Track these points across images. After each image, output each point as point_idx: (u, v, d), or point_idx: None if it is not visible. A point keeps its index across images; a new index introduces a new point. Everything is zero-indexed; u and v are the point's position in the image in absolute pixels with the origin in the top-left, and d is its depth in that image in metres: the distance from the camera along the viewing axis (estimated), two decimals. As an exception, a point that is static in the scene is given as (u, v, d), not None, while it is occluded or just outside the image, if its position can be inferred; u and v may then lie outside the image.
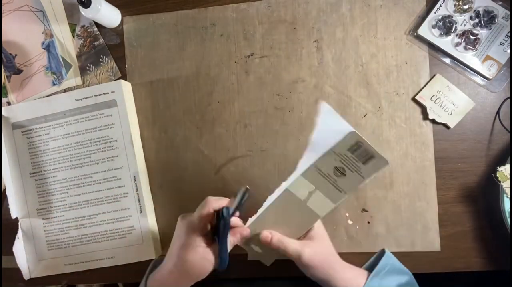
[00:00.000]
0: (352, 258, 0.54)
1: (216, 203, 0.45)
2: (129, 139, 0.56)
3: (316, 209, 0.46)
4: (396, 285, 0.47)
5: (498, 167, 0.48)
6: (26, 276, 0.58)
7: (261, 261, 0.51)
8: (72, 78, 0.60)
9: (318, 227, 0.47)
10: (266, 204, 0.46)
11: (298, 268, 0.56)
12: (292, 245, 0.45)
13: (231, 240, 0.47)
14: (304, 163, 0.43)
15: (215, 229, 0.46)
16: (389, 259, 0.50)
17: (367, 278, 0.46)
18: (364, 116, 0.54)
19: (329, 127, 0.41)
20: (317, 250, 0.45)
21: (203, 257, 0.45)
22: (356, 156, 0.41)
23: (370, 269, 0.48)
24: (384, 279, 0.47)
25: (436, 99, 0.53)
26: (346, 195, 0.44)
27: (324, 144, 0.42)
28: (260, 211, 0.46)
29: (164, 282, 0.46)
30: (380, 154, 0.40)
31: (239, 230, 0.47)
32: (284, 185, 0.45)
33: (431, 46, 0.53)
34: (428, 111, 0.53)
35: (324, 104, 0.40)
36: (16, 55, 0.62)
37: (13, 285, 0.61)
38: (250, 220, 0.47)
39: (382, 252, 0.51)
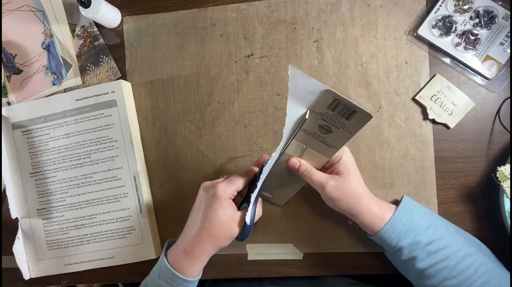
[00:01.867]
0: (352, 258, 0.55)
1: (255, 170, 0.48)
2: (129, 140, 0.56)
3: (311, 163, 0.48)
4: (427, 225, 0.45)
5: (498, 167, 0.48)
6: (26, 276, 0.58)
7: (274, 202, 0.53)
8: (72, 78, 0.60)
9: (348, 163, 0.47)
10: (266, 169, 0.47)
11: (301, 268, 0.56)
12: (317, 175, 0.46)
13: (259, 209, 0.48)
14: (288, 127, 0.44)
15: (244, 197, 0.48)
16: (411, 201, 0.48)
17: (394, 212, 0.45)
18: (364, 116, 0.54)
19: (303, 89, 0.41)
20: (342, 183, 0.45)
21: (233, 219, 0.45)
22: (338, 113, 0.42)
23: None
24: (413, 214, 0.45)
25: (436, 99, 0.53)
26: (338, 149, 0.45)
27: (303, 105, 0.43)
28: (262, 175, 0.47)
29: (188, 249, 0.46)
30: (361, 108, 0.40)
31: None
32: (276, 149, 0.46)
33: (431, 46, 0.53)
34: (428, 111, 0.53)
35: (293, 68, 0.39)
36: (16, 55, 0.62)
37: (13, 285, 0.61)
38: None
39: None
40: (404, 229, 0.44)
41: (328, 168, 0.48)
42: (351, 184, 0.46)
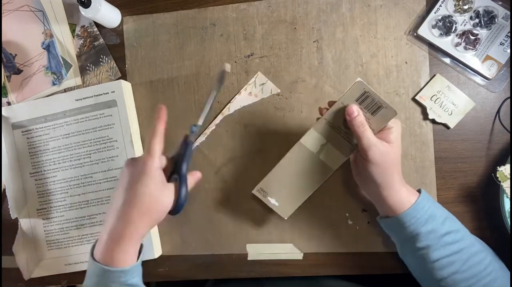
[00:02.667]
0: (352, 258, 0.55)
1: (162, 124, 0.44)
2: (129, 140, 0.56)
3: (328, 162, 0.47)
4: (446, 216, 0.44)
5: (498, 167, 0.48)
6: (26, 276, 0.58)
7: (278, 213, 0.51)
8: (72, 78, 0.60)
9: (398, 135, 0.45)
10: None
11: (301, 268, 0.56)
12: (370, 133, 0.43)
13: (190, 180, 0.46)
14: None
15: (173, 168, 0.46)
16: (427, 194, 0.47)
17: (418, 197, 0.44)
18: (364, 116, 0.54)
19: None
20: (389, 151, 0.43)
21: (164, 192, 0.42)
22: (365, 107, 0.43)
23: None
24: (433, 204, 0.45)
25: (436, 99, 0.53)
26: (356, 147, 0.45)
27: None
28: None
29: (116, 235, 0.40)
30: (388, 104, 0.42)
31: (195, 172, 0.47)
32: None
33: (431, 46, 0.53)
34: (428, 111, 0.53)
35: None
36: (16, 55, 0.62)
37: (13, 285, 0.61)
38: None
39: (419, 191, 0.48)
40: (425, 215, 0.43)
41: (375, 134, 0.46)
42: (395, 156, 0.44)
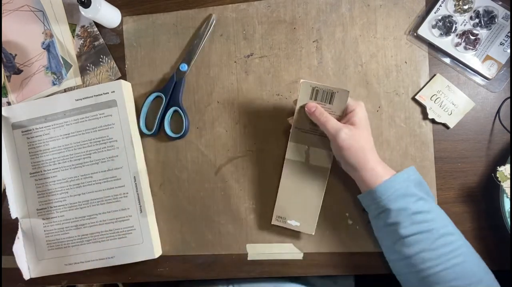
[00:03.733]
0: (352, 258, 0.55)
1: None
2: (129, 140, 0.56)
3: (320, 163, 0.49)
4: (420, 197, 0.45)
5: (498, 167, 0.48)
6: (26, 276, 0.58)
7: (304, 232, 0.53)
8: (72, 78, 0.60)
9: (362, 116, 0.47)
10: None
11: (301, 268, 0.56)
12: (332, 121, 0.46)
13: None
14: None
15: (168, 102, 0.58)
16: (416, 174, 0.47)
17: (392, 175, 0.45)
18: (364, 116, 0.54)
19: None
20: (355, 133, 0.45)
21: None
22: (320, 100, 0.46)
23: None
24: (409, 184, 0.45)
25: (436, 99, 0.53)
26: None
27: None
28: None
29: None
30: (338, 87, 0.45)
31: None
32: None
33: (431, 46, 0.53)
34: (428, 111, 0.53)
35: None
36: (16, 55, 0.62)
37: (13, 285, 0.61)
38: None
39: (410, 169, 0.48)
40: (397, 193, 0.44)
41: (340, 120, 0.48)
42: (363, 136, 0.46)
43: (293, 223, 0.52)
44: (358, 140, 0.45)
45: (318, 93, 0.45)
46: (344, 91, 0.45)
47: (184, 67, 0.55)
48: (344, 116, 0.48)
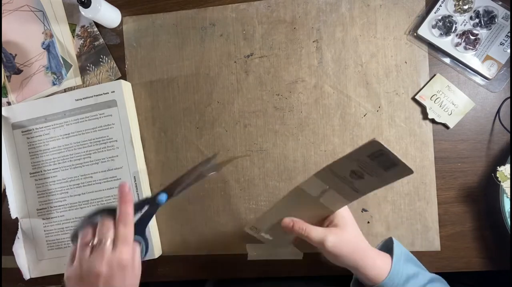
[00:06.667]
0: (352, 258, 0.54)
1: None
2: (129, 140, 0.56)
3: (329, 205, 0.44)
4: (414, 273, 0.45)
5: (498, 167, 0.48)
6: (26, 276, 0.58)
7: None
8: (72, 78, 0.60)
9: (344, 214, 0.45)
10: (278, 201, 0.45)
11: (301, 268, 0.56)
12: (314, 232, 0.42)
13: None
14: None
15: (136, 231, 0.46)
16: (401, 248, 0.47)
17: (392, 263, 0.44)
18: (364, 116, 0.54)
19: None
20: (342, 237, 0.42)
21: (137, 264, 0.44)
22: (377, 163, 0.38)
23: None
24: (405, 264, 0.45)
25: (436, 99, 0.53)
26: (363, 195, 0.42)
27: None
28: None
29: None
30: (403, 162, 0.37)
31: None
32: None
33: (431, 46, 0.53)
34: (428, 111, 0.53)
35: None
36: (16, 55, 0.62)
37: (13, 285, 0.61)
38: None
39: (390, 240, 0.49)
40: (402, 279, 0.44)
41: (321, 221, 0.46)
42: (351, 238, 0.43)
43: (265, 236, 0.49)
44: (347, 243, 0.43)
45: (380, 157, 0.37)
46: (408, 169, 0.37)
47: (163, 199, 0.47)
48: (324, 218, 0.45)
